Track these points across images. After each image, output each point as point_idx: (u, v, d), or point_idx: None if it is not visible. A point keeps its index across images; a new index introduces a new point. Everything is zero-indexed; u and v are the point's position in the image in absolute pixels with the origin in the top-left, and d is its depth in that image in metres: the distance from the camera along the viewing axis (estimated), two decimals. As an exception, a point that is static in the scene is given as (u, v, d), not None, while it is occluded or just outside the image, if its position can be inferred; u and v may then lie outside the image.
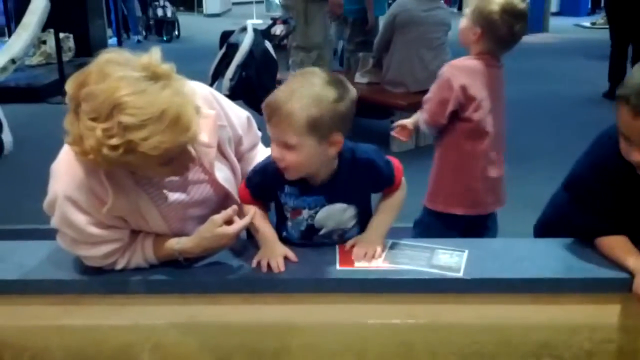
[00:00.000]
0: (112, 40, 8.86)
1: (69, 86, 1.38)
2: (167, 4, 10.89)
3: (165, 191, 1.58)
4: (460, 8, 11.32)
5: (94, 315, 1.59)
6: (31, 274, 1.62)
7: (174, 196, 1.60)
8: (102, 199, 1.47)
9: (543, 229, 2.01)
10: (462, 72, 2.15)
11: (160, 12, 10.77)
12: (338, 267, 1.61)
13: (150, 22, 10.93)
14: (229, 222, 1.57)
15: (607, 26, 6.29)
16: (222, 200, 1.70)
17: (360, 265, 1.61)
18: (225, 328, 1.58)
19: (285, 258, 1.62)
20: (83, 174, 1.46)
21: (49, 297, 1.60)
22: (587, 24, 11.20)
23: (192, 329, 1.58)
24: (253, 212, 1.61)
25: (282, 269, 1.59)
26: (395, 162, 1.67)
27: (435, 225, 2.31)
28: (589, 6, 12.56)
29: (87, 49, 7.88)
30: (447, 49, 4.33)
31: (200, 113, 1.46)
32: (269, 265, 1.59)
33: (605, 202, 1.61)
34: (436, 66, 4.19)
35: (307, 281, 1.59)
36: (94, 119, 1.33)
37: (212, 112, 1.61)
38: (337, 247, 1.68)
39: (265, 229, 1.66)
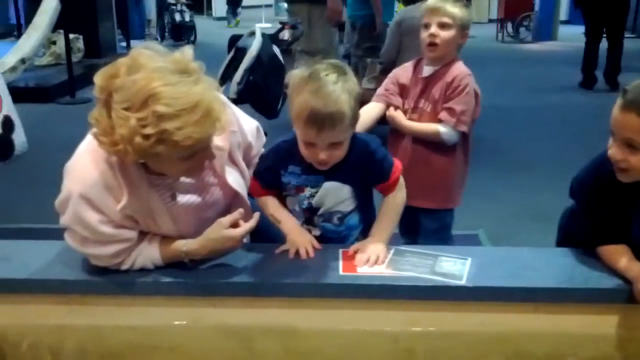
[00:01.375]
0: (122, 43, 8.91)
1: (99, 78, 1.40)
2: (185, 8, 10.87)
3: (177, 193, 1.60)
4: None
5: (98, 315, 1.60)
6: (37, 274, 1.64)
7: (184, 198, 1.62)
8: (116, 197, 1.50)
9: (562, 238, 1.99)
10: (472, 78, 2.23)
11: (178, 16, 10.76)
12: (341, 272, 1.62)
13: (167, 26, 10.92)
14: (235, 224, 1.59)
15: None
16: (231, 203, 1.72)
17: (362, 271, 1.62)
18: (229, 330, 1.59)
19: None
20: (99, 172, 1.48)
21: (54, 296, 1.62)
22: (596, 32, 11.16)
23: (196, 330, 1.59)
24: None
25: (312, 255, 1.66)
26: (396, 161, 1.73)
27: (451, 221, 2.38)
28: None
29: (96, 50, 7.95)
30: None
31: (225, 107, 1.50)
32: (297, 253, 1.66)
33: (604, 210, 1.62)
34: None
35: (310, 286, 1.60)
36: (127, 109, 1.36)
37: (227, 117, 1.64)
38: (340, 252, 1.70)
39: (288, 219, 1.74)
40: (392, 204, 1.73)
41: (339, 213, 1.74)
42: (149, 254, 1.60)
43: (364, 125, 2.21)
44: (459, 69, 2.21)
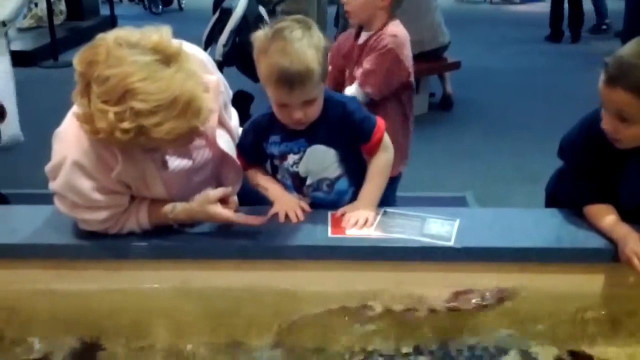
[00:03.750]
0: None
1: (77, 62, 1.36)
2: None
3: (168, 157, 1.58)
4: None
5: (87, 279, 1.60)
6: (25, 239, 1.63)
7: (175, 162, 1.60)
8: (110, 164, 1.48)
9: (549, 198, 2.00)
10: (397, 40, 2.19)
11: None
12: (330, 234, 1.62)
13: None
14: (224, 199, 1.59)
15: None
16: (221, 163, 1.72)
17: (351, 233, 1.63)
18: (218, 293, 1.60)
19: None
20: (92, 139, 1.45)
21: (43, 261, 1.61)
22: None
23: (185, 293, 1.60)
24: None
25: (302, 218, 1.67)
26: (379, 120, 1.70)
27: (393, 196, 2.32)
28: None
29: (79, 13, 7.80)
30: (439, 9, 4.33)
31: (208, 91, 1.46)
32: (287, 216, 1.67)
33: (592, 170, 1.63)
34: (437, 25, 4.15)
35: (299, 248, 1.60)
36: (105, 102, 1.33)
37: (214, 77, 1.61)
38: (329, 215, 1.70)
39: (274, 185, 1.74)
40: (376, 165, 1.71)
41: (327, 180, 1.73)
42: (137, 218, 1.59)
43: None
44: (386, 31, 2.17)
